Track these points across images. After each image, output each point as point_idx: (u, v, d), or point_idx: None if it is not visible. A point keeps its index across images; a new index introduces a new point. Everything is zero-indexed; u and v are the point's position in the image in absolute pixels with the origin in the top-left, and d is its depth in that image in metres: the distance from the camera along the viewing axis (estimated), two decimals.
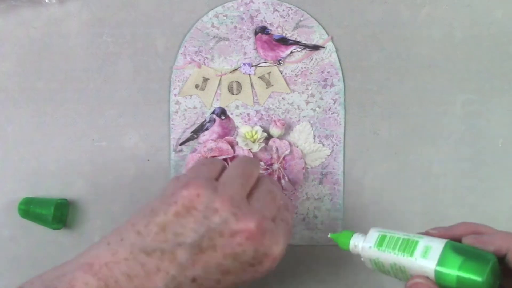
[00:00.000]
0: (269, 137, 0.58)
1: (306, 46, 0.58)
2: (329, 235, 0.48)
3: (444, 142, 0.59)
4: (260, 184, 0.46)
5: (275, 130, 0.57)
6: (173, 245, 0.41)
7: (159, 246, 0.41)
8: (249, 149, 0.57)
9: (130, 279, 0.40)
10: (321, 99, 0.58)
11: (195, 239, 0.41)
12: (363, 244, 0.45)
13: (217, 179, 0.45)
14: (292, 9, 0.58)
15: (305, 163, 0.58)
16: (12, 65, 0.58)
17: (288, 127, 0.58)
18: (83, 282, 0.40)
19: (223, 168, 0.47)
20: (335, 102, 0.58)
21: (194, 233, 0.41)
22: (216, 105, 0.58)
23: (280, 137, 0.58)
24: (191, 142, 0.58)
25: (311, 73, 0.58)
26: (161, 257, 0.41)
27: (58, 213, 0.57)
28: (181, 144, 0.58)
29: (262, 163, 0.57)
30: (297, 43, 0.58)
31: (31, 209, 0.56)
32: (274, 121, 0.57)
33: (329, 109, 0.58)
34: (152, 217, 0.42)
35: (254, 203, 0.44)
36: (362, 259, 0.45)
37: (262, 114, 0.58)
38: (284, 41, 0.58)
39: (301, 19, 0.58)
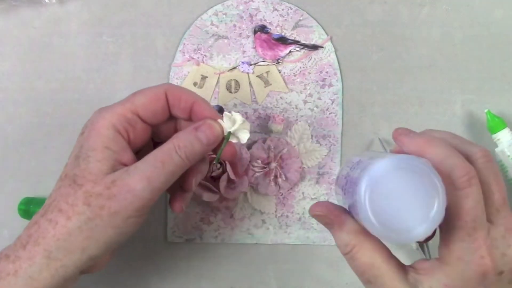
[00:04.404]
0: (267, 134, 0.58)
1: (305, 46, 0.58)
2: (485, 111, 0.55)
3: None
4: None
5: (274, 126, 0.57)
6: None
7: None
8: (237, 138, 0.48)
9: None
10: (319, 99, 0.58)
11: None
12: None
13: None
14: (291, 9, 0.58)
15: (302, 163, 0.58)
16: (12, 65, 0.58)
17: (285, 126, 0.58)
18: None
19: None
20: (333, 102, 0.58)
21: None
22: (214, 103, 0.58)
23: (279, 134, 0.58)
24: None
25: (309, 73, 0.58)
26: None
27: None
28: None
29: (259, 161, 0.57)
30: (296, 42, 0.58)
31: (31, 209, 0.56)
32: (274, 116, 0.57)
33: (326, 109, 0.58)
34: None
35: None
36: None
37: (260, 113, 0.58)
38: (283, 40, 0.58)
39: (301, 18, 0.58)
